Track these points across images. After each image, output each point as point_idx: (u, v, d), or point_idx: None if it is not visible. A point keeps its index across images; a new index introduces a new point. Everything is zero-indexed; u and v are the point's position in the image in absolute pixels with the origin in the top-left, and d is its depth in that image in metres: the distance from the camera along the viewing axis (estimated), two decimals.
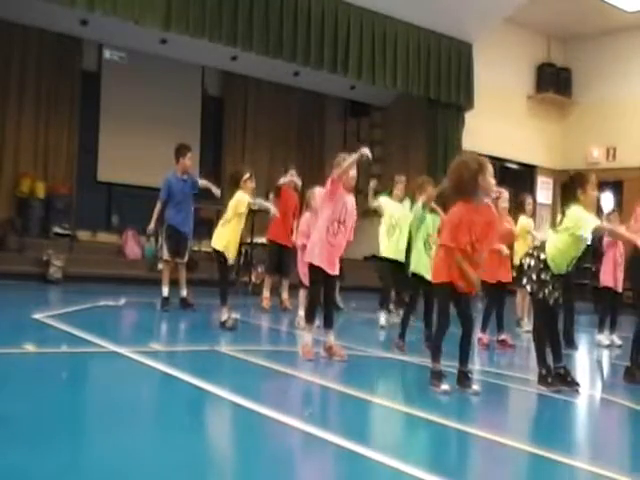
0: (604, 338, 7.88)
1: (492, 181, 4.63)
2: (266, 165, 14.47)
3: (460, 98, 13.66)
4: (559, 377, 5.00)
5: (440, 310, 4.72)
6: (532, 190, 15.13)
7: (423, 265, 6.01)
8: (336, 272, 5.62)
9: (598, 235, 4.99)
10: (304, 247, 6.54)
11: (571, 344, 7.20)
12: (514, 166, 15.68)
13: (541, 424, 4.45)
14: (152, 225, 8.15)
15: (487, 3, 12.78)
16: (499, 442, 3.61)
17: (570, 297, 6.86)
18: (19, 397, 3.79)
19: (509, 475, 3.36)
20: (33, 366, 4.70)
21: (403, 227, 7.61)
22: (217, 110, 14.76)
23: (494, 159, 15.06)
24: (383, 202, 7.80)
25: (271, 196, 8.90)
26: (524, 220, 8.29)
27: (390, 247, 7.65)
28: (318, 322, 7.31)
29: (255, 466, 3.06)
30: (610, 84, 15.21)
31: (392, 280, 7.88)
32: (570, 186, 5.08)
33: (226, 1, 10.65)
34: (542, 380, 4.97)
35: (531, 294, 5.18)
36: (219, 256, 7.01)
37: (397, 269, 7.66)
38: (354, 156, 5.80)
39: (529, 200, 8.52)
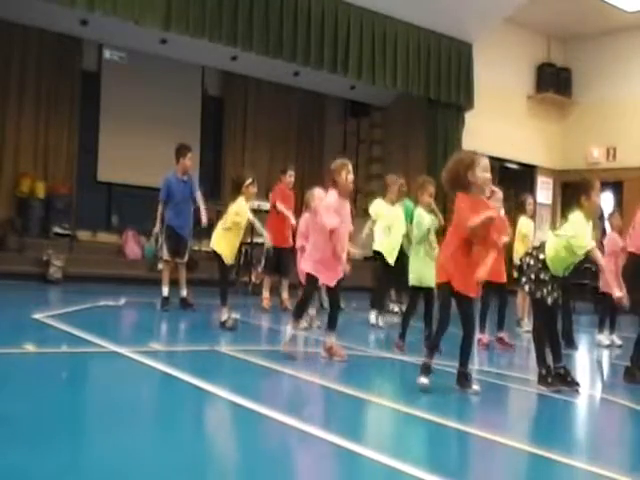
0: (604, 338, 7.88)
1: (485, 175, 4.58)
2: (266, 165, 14.47)
3: (460, 98, 13.66)
4: (559, 377, 5.00)
5: (441, 310, 4.71)
6: (532, 190, 15.13)
7: (426, 276, 5.96)
8: (336, 279, 5.60)
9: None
10: (303, 249, 6.55)
11: (571, 344, 7.21)
12: (514, 166, 15.68)
13: (541, 424, 4.45)
14: (157, 228, 8.16)
15: (487, 3, 12.78)
16: (499, 442, 3.61)
17: (567, 297, 6.87)
18: (19, 397, 3.79)
19: (509, 475, 3.36)
20: (33, 366, 4.70)
21: (396, 227, 7.68)
22: (217, 110, 14.76)
23: (494, 159, 15.05)
24: (375, 210, 7.76)
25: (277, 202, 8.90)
26: (524, 221, 8.29)
27: (385, 244, 7.66)
28: (319, 322, 7.36)
29: (254, 466, 3.06)
30: (610, 84, 15.21)
31: (387, 281, 7.92)
32: (574, 191, 5.13)
33: (226, 1, 10.65)
34: (542, 380, 4.97)
35: (529, 294, 5.20)
36: (218, 257, 7.04)
37: (393, 270, 7.69)
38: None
39: (530, 200, 8.51)
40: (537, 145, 15.75)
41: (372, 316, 7.84)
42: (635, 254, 6.00)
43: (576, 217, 5.00)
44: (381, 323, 7.93)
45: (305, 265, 5.66)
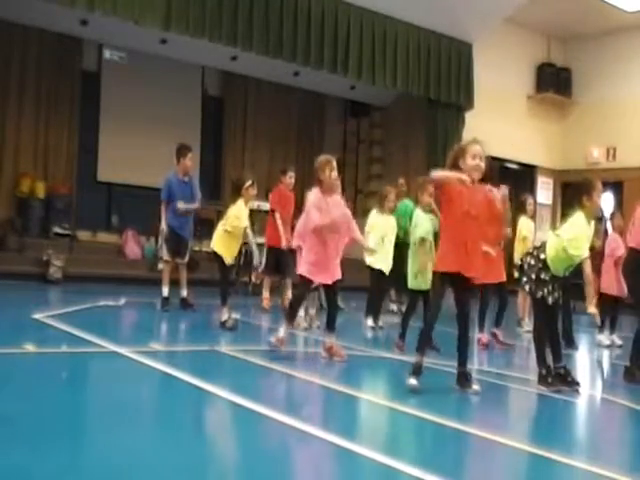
0: (604, 338, 7.88)
1: (473, 162, 4.55)
2: (266, 165, 14.48)
3: (460, 98, 13.65)
4: (559, 377, 5.00)
5: (433, 300, 4.69)
6: (532, 190, 15.13)
7: (425, 279, 5.95)
8: (333, 279, 5.57)
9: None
10: (300, 248, 6.54)
11: (571, 344, 7.21)
12: (514, 166, 15.67)
13: (541, 424, 4.45)
14: (163, 225, 8.11)
15: (487, 3, 12.77)
16: (499, 442, 3.61)
17: (567, 297, 6.86)
18: (19, 397, 3.79)
19: (509, 475, 3.36)
20: (33, 366, 4.70)
21: (389, 238, 7.69)
22: (217, 110, 14.75)
23: (494, 159, 15.08)
24: (370, 223, 7.73)
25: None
26: (525, 221, 8.29)
27: (380, 258, 7.64)
28: (319, 322, 7.37)
29: (254, 465, 3.06)
30: (610, 84, 15.21)
31: (381, 292, 7.94)
32: (576, 192, 5.13)
33: (226, 1, 10.65)
34: (542, 380, 4.97)
35: (530, 293, 5.19)
36: (217, 257, 7.05)
37: (388, 279, 7.76)
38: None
39: (530, 200, 8.50)
40: (537, 145, 15.75)
41: (369, 321, 7.83)
42: (635, 249, 5.97)
43: (577, 219, 5.00)
44: (381, 323, 7.94)
45: (300, 268, 5.63)
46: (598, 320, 4.94)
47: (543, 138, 15.86)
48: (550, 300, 4.96)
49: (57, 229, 11.93)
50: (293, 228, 8.49)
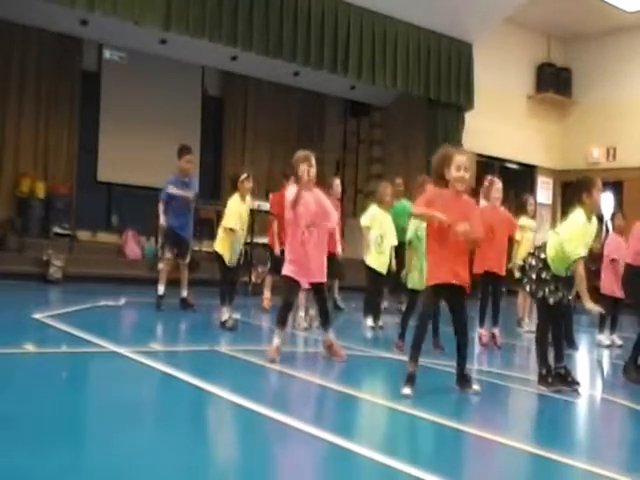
0: (605, 338, 7.88)
1: (457, 174, 4.49)
2: (266, 165, 14.48)
3: (460, 98, 13.66)
4: (559, 377, 5.00)
5: (423, 312, 4.64)
6: (532, 190, 15.14)
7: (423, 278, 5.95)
8: (315, 278, 5.46)
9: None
10: None
11: (571, 344, 7.20)
12: (514, 166, 15.69)
13: (541, 424, 4.45)
14: (163, 222, 8.05)
15: (487, 3, 12.78)
16: (498, 442, 3.61)
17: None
18: (19, 397, 3.79)
19: (508, 475, 3.36)
20: (33, 366, 4.70)
21: (387, 238, 7.67)
22: (217, 110, 14.76)
23: (494, 159, 15.12)
24: (373, 216, 7.72)
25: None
26: (525, 221, 8.29)
27: (378, 259, 7.64)
28: (317, 323, 7.37)
29: (254, 465, 3.06)
30: (610, 84, 15.21)
31: (378, 292, 7.94)
32: (576, 189, 5.10)
33: (226, 1, 10.65)
34: (542, 380, 4.97)
35: (531, 294, 5.19)
36: (218, 257, 7.05)
37: (385, 279, 7.79)
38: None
39: (531, 201, 8.49)
40: (537, 145, 15.76)
41: (368, 321, 7.82)
42: (632, 265, 6.00)
43: (576, 217, 4.98)
44: (381, 323, 7.94)
45: (284, 269, 5.51)
46: (596, 309, 4.87)
47: (543, 138, 15.86)
48: (551, 300, 4.94)
49: (57, 229, 11.93)
50: None
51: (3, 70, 11.94)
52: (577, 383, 5.02)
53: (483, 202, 7.30)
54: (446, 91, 13.44)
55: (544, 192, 16.00)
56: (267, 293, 8.77)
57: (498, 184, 7.05)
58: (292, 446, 3.43)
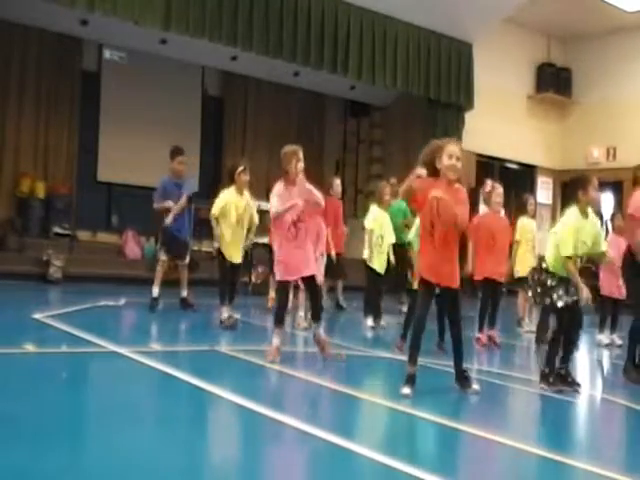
0: (604, 337, 7.89)
1: (449, 162, 4.48)
2: (266, 165, 14.45)
3: (460, 98, 13.66)
4: (560, 377, 5.00)
5: (418, 313, 4.61)
6: (532, 190, 15.13)
7: None
8: (307, 272, 5.41)
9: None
10: None
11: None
12: (514, 166, 15.68)
13: (541, 424, 4.45)
14: (168, 205, 7.92)
15: (487, 3, 12.77)
16: (499, 442, 3.61)
17: None
18: (19, 397, 3.79)
19: (508, 475, 3.36)
20: (33, 366, 4.70)
21: (387, 238, 7.72)
22: (217, 110, 14.76)
23: (494, 159, 15.12)
24: (374, 219, 7.73)
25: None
26: (525, 221, 8.29)
27: (378, 259, 7.65)
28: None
29: (254, 465, 3.07)
30: (610, 84, 15.21)
31: (379, 291, 7.94)
32: (572, 187, 5.10)
33: (226, 1, 10.65)
34: (544, 379, 4.96)
35: (537, 303, 5.22)
36: (219, 254, 7.05)
37: (385, 279, 7.81)
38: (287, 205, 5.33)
39: (531, 201, 8.49)
40: (537, 145, 15.75)
41: (368, 321, 7.82)
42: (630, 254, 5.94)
43: (569, 216, 4.97)
44: (383, 322, 7.95)
45: (275, 271, 5.49)
46: (585, 294, 4.84)
47: (543, 138, 15.86)
48: (560, 303, 4.92)
49: (57, 229, 11.93)
50: None
51: (3, 70, 11.94)
52: (577, 384, 5.02)
53: (483, 207, 7.32)
54: (446, 91, 13.44)
55: (544, 192, 15.99)
56: (272, 293, 8.75)
57: (499, 189, 7.05)
58: (292, 446, 3.43)
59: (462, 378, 4.67)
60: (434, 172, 4.55)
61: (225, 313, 6.86)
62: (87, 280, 10.45)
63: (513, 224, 7.91)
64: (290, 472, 3.09)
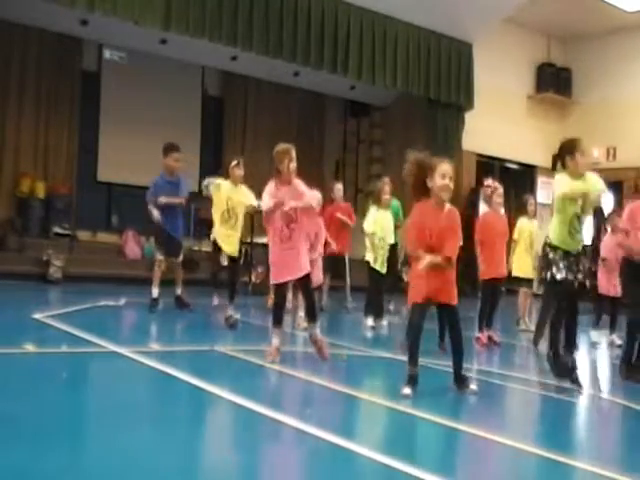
0: (596, 335, 7.89)
1: (443, 182, 4.40)
2: (266, 165, 14.37)
3: (460, 98, 13.66)
4: (566, 367, 4.96)
5: (413, 321, 4.54)
6: (532, 190, 15.13)
7: None
8: (295, 275, 5.34)
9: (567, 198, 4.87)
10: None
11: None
12: (514, 166, 15.68)
13: (541, 424, 4.45)
14: (157, 216, 7.81)
15: (487, 3, 12.78)
16: (499, 442, 3.61)
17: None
18: (19, 397, 3.79)
19: (508, 475, 3.36)
20: (33, 366, 4.70)
21: (388, 237, 7.74)
22: (217, 110, 14.76)
23: (494, 159, 15.11)
24: (374, 221, 7.72)
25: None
26: (525, 221, 8.30)
27: (380, 260, 7.67)
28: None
29: (254, 465, 3.07)
30: (611, 84, 15.21)
31: (380, 291, 7.95)
32: (559, 153, 4.93)
33: (226, 1, 10.66)
34: (550, 361, 4.98)
35: (543, 282, 5.17)
36: (214, 245, 7.09)
37: (386, 278, 7.84)
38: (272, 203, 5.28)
39: (531, 201, 8.51)
40: (537, 145, 15.75)
41: (369, 321, 7.82)
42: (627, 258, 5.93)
43: (559, 180, 4.85)
44: (385, 322, 7.95)
45: (271, 277, 5.45)
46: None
47: (543, 138, 15.84)
48: (559, 276, 4.82)
49: (57, 229, 11.93)
50: None
51: (3, 70, 11.94)
52: (580, 385, 5.00)
53: (484, 207, 7.34)
54: (446, 91, 13.44)
55: (544, 192, 15.96)
56: (272, 293, 8.76)
57: (500, 189, 7.08)
58: (292, 446, 3.43)
59: (460, 379, 4.66)
60: (424, 191, 4.48)
61: (229, 310, 6.88)
62: (87, 280, 10.46)
63: (512, 224, 7.93)
64: (290, 472, 3.09)
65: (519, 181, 15.19)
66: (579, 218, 4.92)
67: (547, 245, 4.96)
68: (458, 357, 4.66)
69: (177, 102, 13.77)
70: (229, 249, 7.15)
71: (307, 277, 5.39)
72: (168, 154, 8.00)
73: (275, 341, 5.31)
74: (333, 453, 3.23)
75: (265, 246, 9.07)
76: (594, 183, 4.90)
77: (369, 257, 7.67)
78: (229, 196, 7.09)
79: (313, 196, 5.71)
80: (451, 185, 4.45)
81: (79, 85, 12.86)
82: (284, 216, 5.27)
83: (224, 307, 7.10)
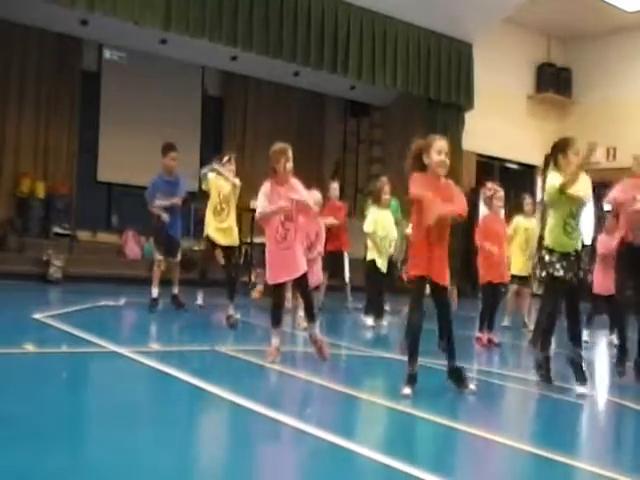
0: (585, 334, 7.87)
1: (439, 157, 4.44)
2: (266, 165, 14.42)
3: (460, 98, 13.66)
4: (573, 364, 4.95)
5: (413, 309, 4.54)
6: (532, 190, 15.12)
7: None
8: (292, 276, 5.33)
9: (564, 189, 4.79)
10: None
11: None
12: (514, 166, 15.68)
13: (541, 424, 4.45)
14: (159, 211, 7.85)
15: (487, 3, 12.78)
16: (498, 442, 3.61)
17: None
18: (19, 397, 3.79)
19: (508, 475, 3.36)
20: (33, 366, 4.70)
21: (389, 236, 7.75)
22: (217, 110, 14.76)
23: (494, 159, 15.11)
24: (374, 221, 7.71)
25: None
26: (521, 220, 8.32)
27: (382, 259, 7.67)
28: (319, 322, 7.36)
29: (253, 465, 3.07)
30: (610, 84, 15.21)
31: (380, 289, 7.94)
32: (551, 152, 4.91)
33: (226, 1, 10.66)
34: (537, 368, 4.97)
35: (539, 282, 5.15)
36: (207, 239, 7.21)
37: (387, 277, 7.85)
38: (275, 208, 5.26)
39: (528, 200, 8.50)
40: (537, 145, 15.71)
41: (368, 321, 7.82)
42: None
43: (550, 179, 4.80)
44: (385, 322, 7.95)
45: (267, 277, 5.43)
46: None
47: (543, 138, 15.78)
48: (557, 273, 4.79)
49: (57, 229, 11.93)
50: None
51: (3, 70, 11.94)
52: (585, 379, 4.98)
53: (483, 209, 7.35)
54: (446, 91, 13.44)
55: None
56: (260, 286, 8.77)
57: (500, 192, 7.09)
58: (292, 445, 3.44)
59: (455, 376, 4.64)
60: (422, 167, 4.53)
61: (200, 299, 6.88)
62: (87, 280, 10.46)
63: (508, 222, 7.95)
64: (290, 472, 3.09)
65: (519, 181, 15.17)
66: (574, 216, 4.87)
67: (544, 248, 4.94)
68: (450, 345, 4.64)
69: (177, 102, 13.77)
70: (225, 241, 7.18)
71: (304, 277, 5.37)
72: (166, 154, 8.04)
73: (275, 341, 5.31)
74: (333, 453, 3.23)
75: (265, 245, 9.11)
76: (585, 188, 4.84)
77: (372, 256, 7.68)
78: (221, 187, 7.18)
79: (311, 196, 5.70)
80: (447, 161, 4.49)
81: (79, 85, 12.86)
82: (280, 215, 5.25)
83: (208, 307, 7.08)
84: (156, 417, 3.72)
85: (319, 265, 7.31)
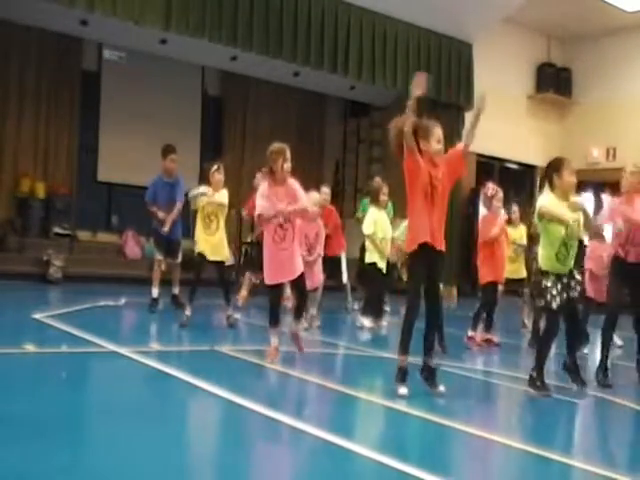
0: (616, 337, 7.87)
1: (437, 147, 4.57)
2: (266, 165, 14.46)
3: (460, 98, 13.66)
4: (569, 371, 4.96)
5: (411, 292, 4.48)
6: (532, 190, 15.14)
7: None
8: (289, 277, 5.35)
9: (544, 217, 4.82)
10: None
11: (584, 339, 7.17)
12: (514, 166, 15.68)
13: (540, 424, 4.44)
14: (159, 215, 7.87)
15: (487, 3, 12.78)
16: (497, 441, 3.62)
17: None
18: (19, 397, 3.79)
19: (507, 475, 3.36)
20: (33, 366, 4.71)
21: (387, 237, 7.74)
22: (217, 110, 14.76)
23: (494, 159, 15.11)
24: (373, 222, 7.69)
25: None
26: (508, 230, 8.28)
27: (382, 260, 7.67)
28: (319, 322, 7.39)
29: (253, 465, 3.07)
30: (610, 84, 15.21)
31: (379, 290, 7.93)
32: (546, 171, 4.92)
33: (226, 1, 10.66)
34: (531, 383, 4.87)
35: (537, 308, 5.16)
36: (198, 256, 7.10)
37: (386, 277, 7.84)
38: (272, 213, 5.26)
39: (514, 208, 8.43)
40: (537, 145, 15.75)
41: (367, 321, 7.81)
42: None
43: (543, 198, 4.81)
44: (384, 323, 7.95)
45: (265, 278, 5.42)
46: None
47: (543, 138, 15.85)
48: (554, 305, 4.79)
49: (57, 229, 11.93)
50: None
51: (3, 70, 11.94)
52: (584, 384, 4.98)
53: (484, 210, 7.34)
54: (446, 91, 13.44)
55: None
56: (244, 291, 8.72)
57: (500, 193, 7.10)
58: (290, 445, 3.44)
59: (428, 373, 4.52)
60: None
61: (188, 311, 6.82)
62: (87, 280, 10.46)
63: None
64: (288, 471, 3.10)
65: (519, 181, 15.19)
66: (566, 245, 4.82)
67: (539, 271, 4.91)
68: (430, 344, 4.52)
69: (177, 102, 13.77)
70: (214, 256, 7.05)
71: (301, 278, 5.40)
72: (166, 156, 8.04)
73: (274, 341, 5.33)
74: (331, 452, 3.24)
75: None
76: (575, 210, 4.82)
77: (373, 258, 7.66)
78: (207, 203, 7.01)
79: (308, 197, 5.69)
80: (442, 149, 4.60)
81: (79, 85, 12.86)
82: (278, 219, 5.25)
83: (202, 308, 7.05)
84: (156, 417, 3.73)
85: (319, 266, 7.31)
